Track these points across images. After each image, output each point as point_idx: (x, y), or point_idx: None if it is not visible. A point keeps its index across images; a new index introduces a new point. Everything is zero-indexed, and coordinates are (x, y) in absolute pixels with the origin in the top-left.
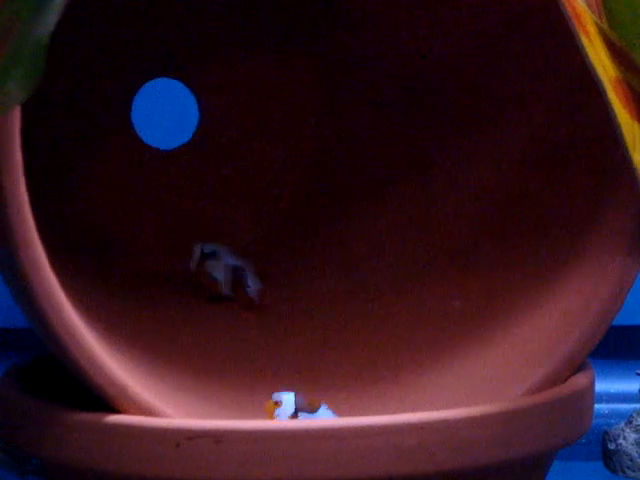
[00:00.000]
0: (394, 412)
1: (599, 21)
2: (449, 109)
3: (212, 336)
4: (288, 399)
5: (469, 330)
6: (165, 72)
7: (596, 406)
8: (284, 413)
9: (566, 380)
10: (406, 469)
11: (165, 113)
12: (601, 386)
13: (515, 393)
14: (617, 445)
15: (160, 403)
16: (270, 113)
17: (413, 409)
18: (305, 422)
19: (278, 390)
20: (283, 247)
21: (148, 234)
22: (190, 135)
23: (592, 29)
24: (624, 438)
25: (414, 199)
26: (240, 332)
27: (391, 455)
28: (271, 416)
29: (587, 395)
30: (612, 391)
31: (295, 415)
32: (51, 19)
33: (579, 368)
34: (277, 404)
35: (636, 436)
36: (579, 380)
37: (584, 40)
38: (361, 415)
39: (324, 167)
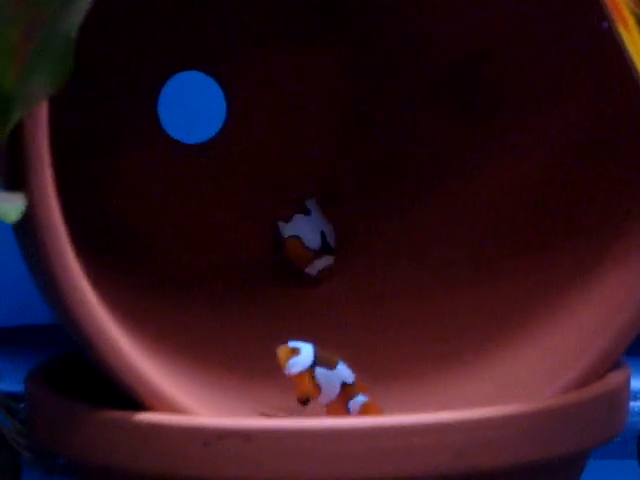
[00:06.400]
0: (421, 411)
1: (638, 10)
2: (484, 103)
3: (243, 334)
4: (307, 349)
5: (502, 330)
6: (193, 66)
7: (631, 404)
8: (300, 364)
9: (601, 378)
10: (436, 469)
11: (192, 107)
12: (636, 384)
13: (548, 392)
14: None
15: (189, 401)
16: (299, 108)
17: (441, 408)
18: (335, 421)
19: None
20: None
21: (172, 229)
22: (217, 129)
23: (630, 19)
24: None
25: (449, 198)
26: (270, 330)
27: (416, 454)
28: (283, 363)
29: (622, 393)
30: None
31: (311, 369)
32: (79, 13)
33: (614, 366)
34: (294, 351)
35: None
36: (614, 378)
37: (622, 31)
38: (391, 412)
39: (354, 163)
